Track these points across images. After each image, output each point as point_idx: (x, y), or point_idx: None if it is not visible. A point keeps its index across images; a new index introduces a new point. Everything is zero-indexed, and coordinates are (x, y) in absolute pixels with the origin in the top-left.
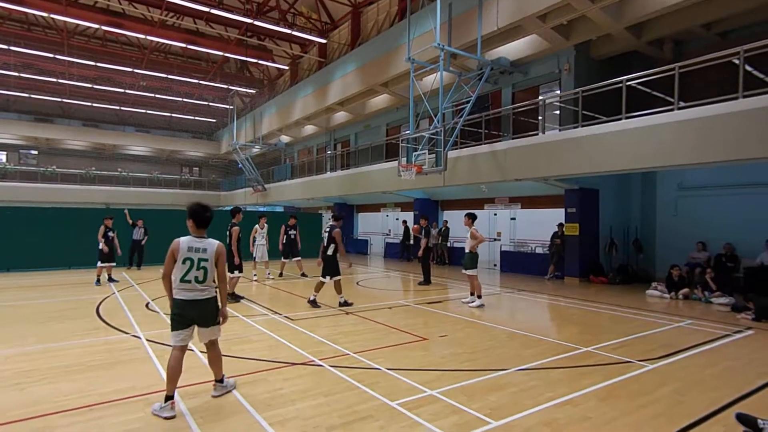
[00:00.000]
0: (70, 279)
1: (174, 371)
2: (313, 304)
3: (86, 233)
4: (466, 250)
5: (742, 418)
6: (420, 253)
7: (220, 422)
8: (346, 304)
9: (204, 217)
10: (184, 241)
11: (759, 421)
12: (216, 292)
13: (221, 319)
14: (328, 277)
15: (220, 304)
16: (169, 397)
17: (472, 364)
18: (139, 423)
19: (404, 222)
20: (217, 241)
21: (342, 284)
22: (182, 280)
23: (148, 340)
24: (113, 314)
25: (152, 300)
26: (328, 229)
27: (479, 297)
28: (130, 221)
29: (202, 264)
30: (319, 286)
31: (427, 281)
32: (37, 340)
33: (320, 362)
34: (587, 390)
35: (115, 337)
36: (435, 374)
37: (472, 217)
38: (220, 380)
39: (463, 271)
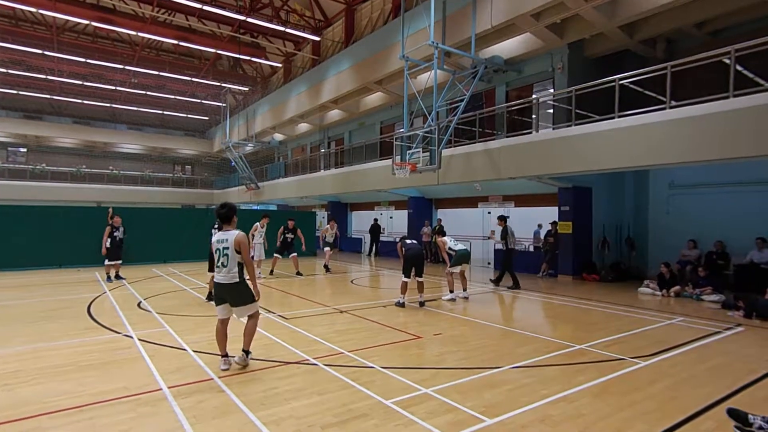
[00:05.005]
0: (61, 278)
1: (219, 337)
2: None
3: (77, 232)
4: None
5: (733, 414)
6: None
7: (214, 421)
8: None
9: (219, 213)
10: (215, 236)
11: (750, 416)
12: (239, 278)
13: (256, 297)
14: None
15: (251, 285)
16: (224, 355)
17: (466, 362)
18: (131, 423)
19: (375, 220)
20: (237, 231)
21: (340, 283)
22: (216, 266)
23: (140, 339)
24: (105, 314)
25: (144, 299)
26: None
27: (451, 291)
28: (110, 221)
29: (225, 252)
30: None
31: (516, 285)
32: (26, 340)
33: (315, 361)
34: (581, 387)
35: (106, 337)
36: (429, 372)
37: (439, 233)
38: (246, 351)
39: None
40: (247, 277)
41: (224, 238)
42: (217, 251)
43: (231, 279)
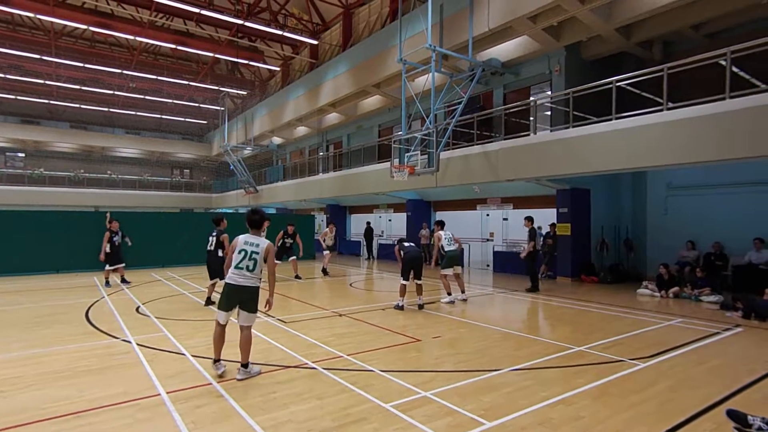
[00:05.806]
0: (58, 283)
1: (216, 341)
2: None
3: (75, 237)
4: None
5: (732, 415)
6: (523, 255)
7: (213, 427)
8: (421, 306)
9: (252, 219)
10: (242, 237)
11: (749, 417)
12: (260, 283)
13: (267, 306)
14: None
15: (268, 294)
16: (216, 360)
17: (465, 365)
18: (130, 429)
19: (368, 223)
20: (269, 241)
21: (339, 286)
22: (236, 267)
23: (138, 344)
24: (103, 319)
25: (142, 304)
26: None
27: (449, 294)
28: (108, 225)
29: (254, 256)
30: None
31: (534, 288)
32: (24, 345)
33: (313, 365)
34: (580, 389)
35: (104, 342)
36: (429, 375)
37: (439, 224)
38: (245, 365)
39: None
40: (264, 287)
41: (256, 242)
42: (243, 252)
43: (255, 283)
